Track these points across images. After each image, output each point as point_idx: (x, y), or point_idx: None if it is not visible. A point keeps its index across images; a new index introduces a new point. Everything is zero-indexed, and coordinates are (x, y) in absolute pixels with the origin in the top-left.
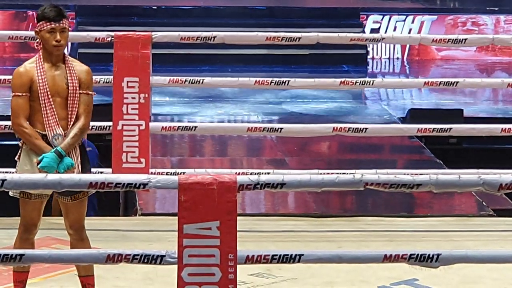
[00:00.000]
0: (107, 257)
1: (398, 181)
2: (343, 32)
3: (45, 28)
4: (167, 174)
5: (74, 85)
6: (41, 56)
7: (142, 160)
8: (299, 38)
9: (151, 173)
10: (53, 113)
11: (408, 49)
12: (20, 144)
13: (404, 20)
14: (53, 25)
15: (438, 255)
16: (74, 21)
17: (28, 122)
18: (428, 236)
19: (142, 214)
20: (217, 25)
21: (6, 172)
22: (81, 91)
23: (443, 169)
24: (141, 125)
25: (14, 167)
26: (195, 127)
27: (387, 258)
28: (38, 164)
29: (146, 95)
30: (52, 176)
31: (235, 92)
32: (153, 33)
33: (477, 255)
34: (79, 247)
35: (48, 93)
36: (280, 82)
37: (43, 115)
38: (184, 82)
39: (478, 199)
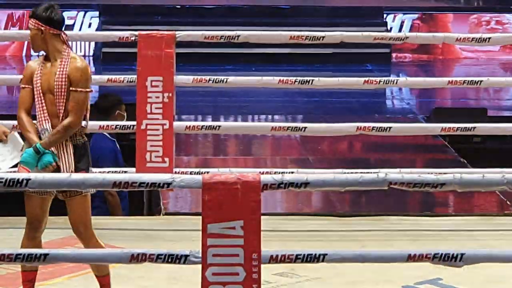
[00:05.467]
0: (131, 257)
1: (422, 181)
2: (366, 31)
3: None
4: (191, 173)
5: (60, 82)
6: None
7: (166, 159)
8: (323, 37)
9: (175, 172)
10: (42, 108)
11: None
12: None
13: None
14: None
15: (462, 254)
16: (98, 20)
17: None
18: (452, 236)
19: (166, 214)
20: (241, 24)
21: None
22: (71, 88)
23: (467, 168)
24: (165, 124)
25: None
26: (219, 126)
27: (411, 258)
28: None
29: (170, 94)
30: (76, 176)
31: None
32: (177, 32)
33: (501, 254)
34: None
35: (40, 89)
36: (304, 81)
37: (36, 110)
38: (208, 81)
39: (502, 198)
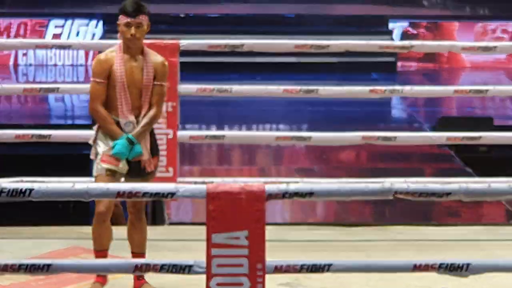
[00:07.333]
0: (135, 267)
1: (427, 190)
2: (372, 40)
3: (122, 21)
4: (195, 183)
5: (149, 76)
6: (121, 47)
7: (170, 169)
8: (328, 46)
9: (179, 182)
10: (127, 102)
11: None
12: (95, 128)
13: None
14: (129, 20)
15: (468, 264)
16: (102, 29)
17: (103, 107)
18: (457, 245)
19: (170, 224)
20: (246, 32)
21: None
22: (155, 82)
23: (473, 178)
24: (169, 134)
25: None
26: (223, 136)
27: (417, 268)
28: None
29: (174, 104)
30: (80, 185)
31: None
32: (180, 41)
33: (507, 264)
34: (136, 225)
35: (125, 83)
36: (308, 91)
37: (118, 103)
38: (212, 91)
39: (508, 207)
